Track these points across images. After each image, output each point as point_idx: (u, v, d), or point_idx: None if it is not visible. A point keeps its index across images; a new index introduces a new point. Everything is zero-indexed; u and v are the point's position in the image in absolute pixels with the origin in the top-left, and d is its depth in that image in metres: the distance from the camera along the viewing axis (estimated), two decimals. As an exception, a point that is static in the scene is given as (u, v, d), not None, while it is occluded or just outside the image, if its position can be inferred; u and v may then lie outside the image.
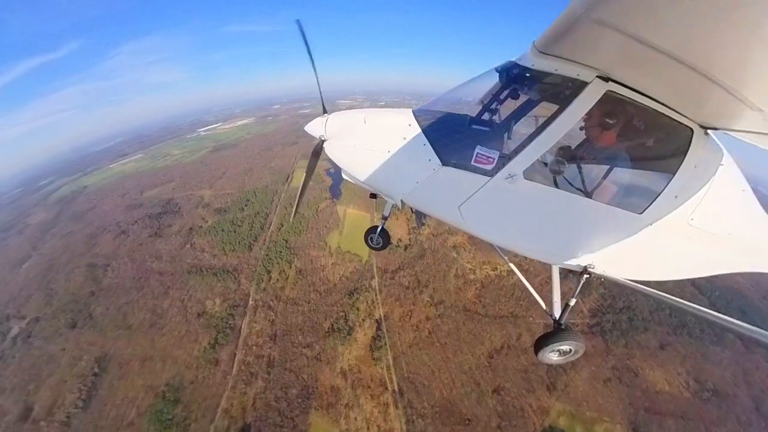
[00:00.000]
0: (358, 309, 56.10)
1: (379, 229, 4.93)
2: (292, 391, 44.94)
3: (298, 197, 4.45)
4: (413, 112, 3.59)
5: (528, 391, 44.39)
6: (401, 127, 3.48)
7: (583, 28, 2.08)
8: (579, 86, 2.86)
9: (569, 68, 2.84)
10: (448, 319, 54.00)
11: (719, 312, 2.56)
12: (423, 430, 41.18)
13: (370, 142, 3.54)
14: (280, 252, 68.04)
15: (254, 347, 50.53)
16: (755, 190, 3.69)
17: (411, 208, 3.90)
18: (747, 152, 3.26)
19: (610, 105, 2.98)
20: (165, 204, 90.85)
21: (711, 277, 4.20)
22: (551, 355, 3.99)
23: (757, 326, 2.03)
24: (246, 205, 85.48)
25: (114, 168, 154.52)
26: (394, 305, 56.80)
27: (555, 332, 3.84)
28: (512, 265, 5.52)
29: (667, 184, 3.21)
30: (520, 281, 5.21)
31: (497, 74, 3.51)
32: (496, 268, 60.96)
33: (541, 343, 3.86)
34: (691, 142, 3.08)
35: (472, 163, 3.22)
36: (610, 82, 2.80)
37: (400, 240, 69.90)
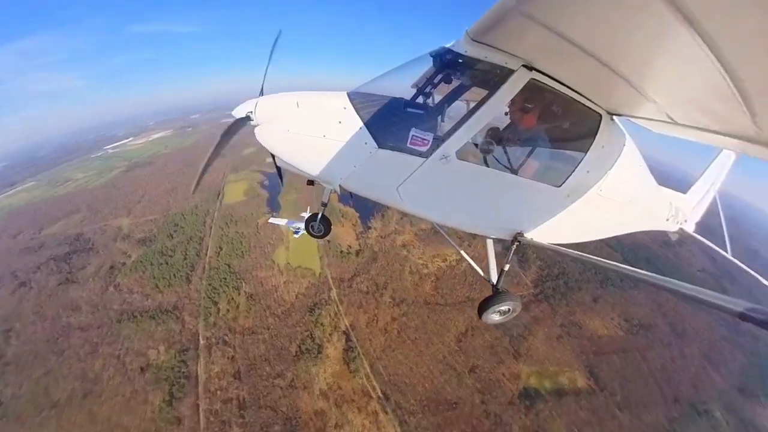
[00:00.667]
0: (322, 324, 55.47)
1: (319, 216, 4.86)
2: (274, 429, 43.39)
3: (200, 171, 3.63)
4: (348, 95, 3.61)
5: (498, 363, 49.67)
6: (336, 111, 3.49)
7: (513, 20, 2.32)
8: (506, 74, 3.18)
9: (498, 57, 3.14)
10: (413, 316, 56.34)
11: (631, 265, 3.31)
12: (417, 426, 43.16)
13: (305, 126, 3.49)
14: (224, 279, 63.37)
15: (218, 392, 47.11)
16: (649, 166, 4.73)
17: (351, 197, 3.99)
18: (643, 134, 4.00)
19: (532, 92, 3.36)
20: (73, 241, 77.34)
21: (620, 236, 5.29)
22: (493, 316, 4.54)
23: (659, 273, 2.61)
24: (175, 231, 77.16)
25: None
26: (358, 313, 57.28)
27: (494, 296, 4.38)
28: (456, 246, 6.41)
29: (580, 161, 3.82)
30: (470, 267, 5.69)
31: (431, 59, 3.70)
32: (446, 259, 64.57)
33: (483, 307, 4.38)
34: (599, 125, 3.71)
35: (408, 145, 3.41)
36: (533, 71, 3.17)
37: (350, 246, 69.90)
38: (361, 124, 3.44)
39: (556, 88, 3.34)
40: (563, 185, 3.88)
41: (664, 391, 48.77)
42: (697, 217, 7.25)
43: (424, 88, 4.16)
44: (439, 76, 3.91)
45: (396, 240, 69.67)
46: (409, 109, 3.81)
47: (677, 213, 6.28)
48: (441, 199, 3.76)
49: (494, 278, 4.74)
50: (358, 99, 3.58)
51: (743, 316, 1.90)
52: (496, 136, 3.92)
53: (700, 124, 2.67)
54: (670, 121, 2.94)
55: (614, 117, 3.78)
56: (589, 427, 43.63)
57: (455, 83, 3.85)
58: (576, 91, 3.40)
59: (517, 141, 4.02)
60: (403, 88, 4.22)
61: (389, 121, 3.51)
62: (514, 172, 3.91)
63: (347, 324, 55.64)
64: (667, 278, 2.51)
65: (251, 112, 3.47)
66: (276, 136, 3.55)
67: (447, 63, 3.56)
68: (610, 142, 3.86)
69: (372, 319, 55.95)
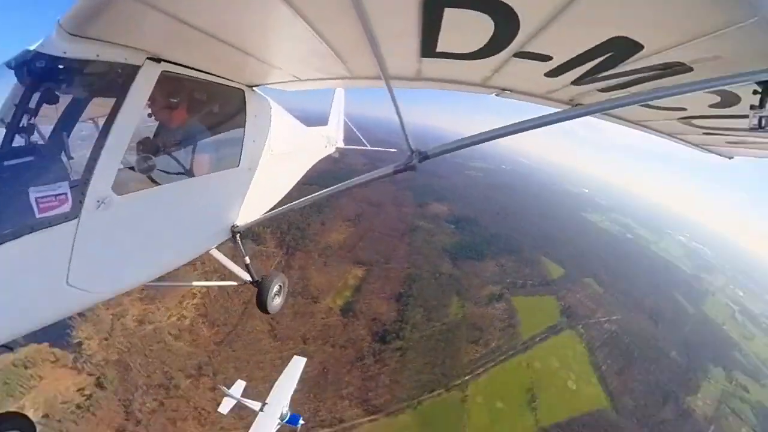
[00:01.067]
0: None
1: None
2: None
3: None
4: None
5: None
6: None
7: (121, 4, 1.91)
8: (131, 72, 2.58)
9: (114, 53, 2.46)
10: (224, 362, 44.14)
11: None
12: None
13: None
14: None
15: None
16: (295, 116, 5.80)
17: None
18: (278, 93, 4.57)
19: (170, 85, 3.02)
20: None
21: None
22: (275, 302, 4.78)
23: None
24: None
25: None
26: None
27: (259, 289, 4.60)
28: (189, 284, 6.38)
29: (244, 135, 3.95)
30: (221, 286, 5.53)
31: (13, 72, 2.50)
32: (194, 295, 49.29)
33: (261, 304, 4.61)
34: (245, 99, 3.91)
35: (39, 216, 2.23)
36: (162, 63, 2.75)
37: (82, 390, 38.35)
38: None
39: (193, 75, 3.11)
40: (241, 162, 3.96)
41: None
42: (341, 135, 10.83)
43: (17, 121, 2.58)
44: (36, 96, 2.57)
45: (127, 322, 45.39)
46: (8, 163, 2.44)
47: (329, 139, 8.82)
48: (132, 251, 2.94)
49: (247, 277, 4.69)
50: None
51: (396, 171, 2.84)
52: (150, 147, 3.29)
53: (317, 76, 3.58)
54: (296, 79, 3.71)
55: (254, 88, 4.08)
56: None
57: (65, 99, 2.70)
58: (213, 74, 3.36)
59: (176, 142, 3.57)
60: None
61: None
62: (191, 174, 3.52)
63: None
64: (346, 182, 3.15)
65: None
66: None
67: (42, 74, 2.45)
68: (259, 110, 4.16)
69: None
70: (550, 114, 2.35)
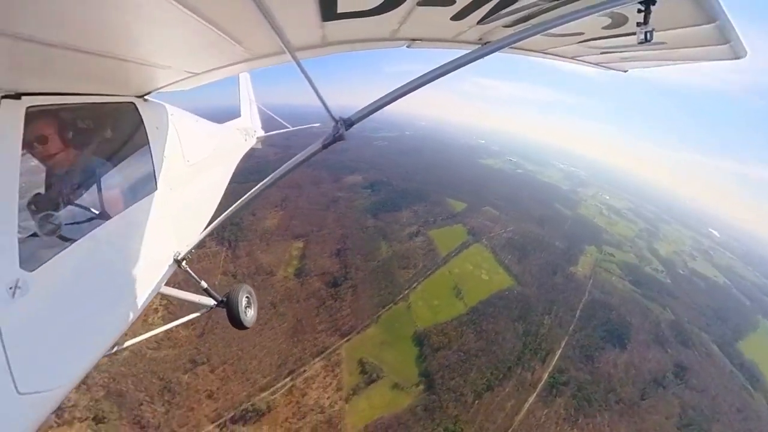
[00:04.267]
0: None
1: None
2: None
3: None
4: None
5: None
6: None
7: None
8: None
9: None
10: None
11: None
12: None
13: None
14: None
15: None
16: (203, 115, 5.82)
17: None
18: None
19: (42, 122, 2.65)
20: None
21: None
22: (248, 315, 5.08)
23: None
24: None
25: None
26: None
27: (228, 307, 4.84)
28: (162, 328, 5.36)
29: (151, 153, 3.71)
30: (187, 320, 5.36)
31: None
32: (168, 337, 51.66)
33: (234, 321, 4.84)
34: (139, 111, 3.60)
35: None
36: (24, 98, 2.38)
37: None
38: None
39: (67, 102, 2.80)
40: (159, 185, 3.75)
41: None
42: (259, 123, 11.40)
43: None
44: None
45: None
46: None
47: (247, 131, 8.91)
48: (78, 326, 2.67)
49: (211, 301, 4.88)
50: None
51: (325, 145, 2.93)
52: (46, 203, 2.81)
53: (213, 65, 3.43)
54: (191, 74, 3.53)
55: (146, 97, 3.77)
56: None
57: None
58: (92, 94, 3.03)
59: (75, 187, 3.18)
60: None
61: None
62: (106, 216, 3.15)
63: None
64: (280, 168, 3.28)
65: None
66: None
67: None
68: (159, 120, 3.94)
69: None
70: (462, 56, 2.50)
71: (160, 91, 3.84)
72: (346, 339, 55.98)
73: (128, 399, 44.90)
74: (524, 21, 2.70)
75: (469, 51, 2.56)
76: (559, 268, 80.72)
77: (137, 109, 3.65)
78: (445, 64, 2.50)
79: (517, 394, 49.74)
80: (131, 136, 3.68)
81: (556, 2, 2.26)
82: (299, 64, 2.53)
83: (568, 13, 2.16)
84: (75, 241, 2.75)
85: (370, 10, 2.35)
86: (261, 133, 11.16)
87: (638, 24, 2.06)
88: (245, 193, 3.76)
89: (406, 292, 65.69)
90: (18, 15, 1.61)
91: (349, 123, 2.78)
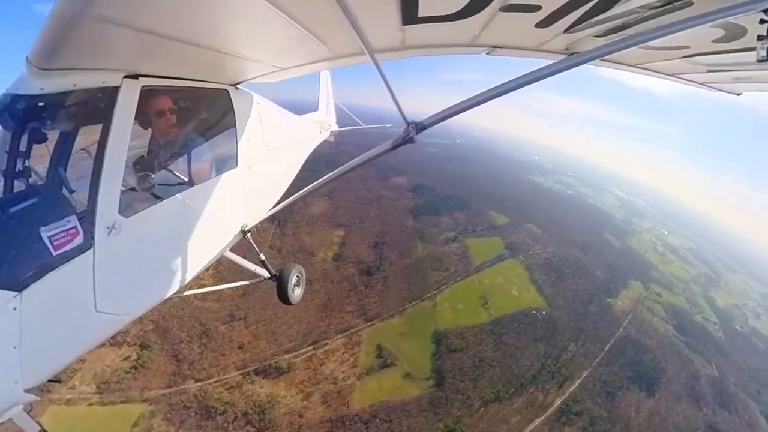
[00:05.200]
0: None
1: None
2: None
3: None
4: None
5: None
6: None
7: (87, 29, 1.96)
8: (111, 94, 2.70)
9: (90, 78, 2.58)
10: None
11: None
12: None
13: None
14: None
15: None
16: (285, 106, 6.17)
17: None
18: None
19: (153, 99, 3.17)
20: None
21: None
22: (295, 293, 5.41)
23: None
24: None
25: None
26: None
27: (280, 281, 5.19)
28: (215, 288, 6.24)
29: (236, 135, 4.17)
30: (247, 284, 5.68)
31: None
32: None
33: (282, 297, 5.22)
34: (231, 98, 4.09)
35: (55, 253, 2.40)
36: (141, 78, 2.84)
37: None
38: None
39: (174, 85, 3.25)
40: (239, 163, 4.14)
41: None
42: (334, 118, 11.75)
43: (12, 166, 2.76)
44: (24, 139, 2.74)
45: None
46: (13, 209, 2.49)
47: (322, 124, 9.45)
48: (152, 268, 3.23)
49: (265, 273, 5.21)
50: None
51: (395, 146, 2.91)
52: (147, 165, 3.40)
53: (298, 62, 3.77)
54: (278, 69, 3.90)
55: (238, 86, 4.21)
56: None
57: (53, 135, 2.84)
58: (194, 80, 3.50)
59: (171, 154, 3.75)
60: None
61: None
62: (192, 183, 3.69)
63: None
64: (347, 164, 3.41)
65: None
66: None
67: (23, 115, 2.61)
68: (247, 107, 4.37)
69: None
70: (546, 66, 2.29)
71: (250, 81, 4.25)
72: (369, 323, 58.57)
73: (171, 336, 51.55)
74: (618, 31, 2.43)
75: (554, 61, 2.38)
76: (595, 297, 75.55)
77: (229, 95, 4.10)
78: (526, 75, 2.32)
79: (524, 412, 48.70)
80: (222, 118, 4.11)
81: (658, 9, 2.00)
82: (377, 66, 2.60)
83: (673, 23, 1.83)
84: (164, 199, 3.27)
85: (451, 15, 2.33)
86: (335, 127, 11.60)
87: (759, 38, 1.76)
88: (313, 181, 4.16)
89: (434, 292, 66.65)
90: (140, 11, 1.97)
91: (420, 127, 2.76)
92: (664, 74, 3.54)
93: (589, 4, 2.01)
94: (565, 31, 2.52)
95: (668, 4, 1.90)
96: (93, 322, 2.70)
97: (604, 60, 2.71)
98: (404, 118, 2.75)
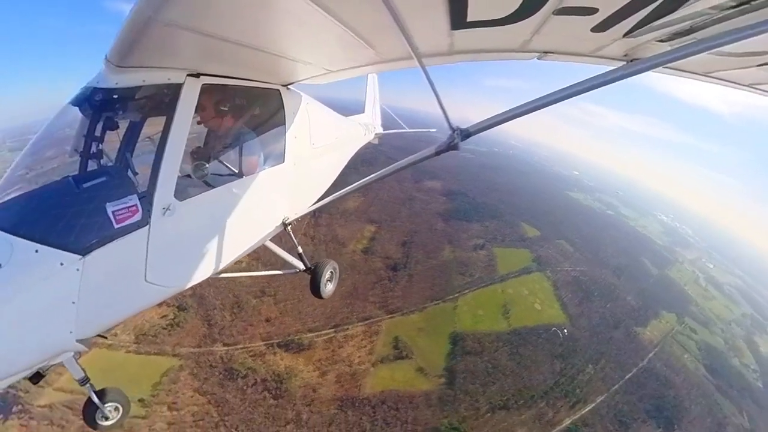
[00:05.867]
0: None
1: (96, 398, 3.37)
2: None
3: None
4: None
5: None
6: None
7: (156, 32, 2.19)
8: (175, 90, 2.98)
9: (157, 75, 2.90)
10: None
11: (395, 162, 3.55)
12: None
13: None
14: None
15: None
16: (331, 106, 6.20)
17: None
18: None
19: (212, 95, 3.48)
20: None
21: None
22: (327, 287, 5.32)
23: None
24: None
25: None
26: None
27: (314, 275, 5.10)
28: (261, 273, 6.15)
29: (285, 133, 4.37)
30: (282, 275, 5.72)
31: (77, 109, 3.10)
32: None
33: (314, 289, 5.14)
34: (282, 98, 4.28)
35: (117, 226, 2.67)
36: (202, 77, 3.12)
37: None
38: (34, 246, 2.36)
39: (231, 84, 3.51)
40: (286, 159, 4.32)
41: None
42: (379, 121, 11.75)
43: (88, 149, 3.13)
44: (99, 126, 3.14)
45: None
46: (86, 185, 2.78)
47: (367, 127, 9.53)
48: (198, 249, 3.43)
49: (300, 265, 5.23)
50: (2, 215, 2.55)
51: (438, 152, 2.77)
52: (202, 155, 3.81)
53: (347, 65, 3.88)
54: (327, 71, 4.02)
55: (289, 86, 4.40)
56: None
57: (124, 124, 3.31)
58: (249, 79, 3.72)
59: (225, 147, 4.12)
60: (59, 163, 3.26)
61: (71, 215, 2.58)
62: (241, 175, 3.96)
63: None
64: (389, 167, 3.48)
65: None
66: None
67: (100, 106, 3.01)
68: (296, 106, 4.54)
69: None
70: (602, 74, 2.10)
71: (300, 82, 4.41)
72: (389, 316, 60.28)
73: (206, 302, 56.21)
74: (685, 35, 2.18)
75: (612, 69, 2.20)
76: (622, 323, 71.58)
77: (281, 95, 4.26)
78: (581, 83, 2.14)
79: (531, 424, 48.21)
80: (273, 116, 4.28)
81: (732, 10, 1.75)
82: (425, 71, 2.50)
83: (749, 26, 1.56)
84: (215, 187, 3.51)
85: (501, 19, 2.22)
86: (380, 130, 11.58)
87: None
88: (355, 181, 4.20)
89: (456, 295, 67.05)
90: (204, 17, 2.20)
91: (465, 134, 2.62)
92: (738, 84, 3.14)
93: (653, 6, 1.82)
94: (625, 35, 2.29)
95: (744, 4, 1.66)
96: (141, 290, 2.97)
97: (667, 67, 2.57)
98: (449, 124, 2.63)
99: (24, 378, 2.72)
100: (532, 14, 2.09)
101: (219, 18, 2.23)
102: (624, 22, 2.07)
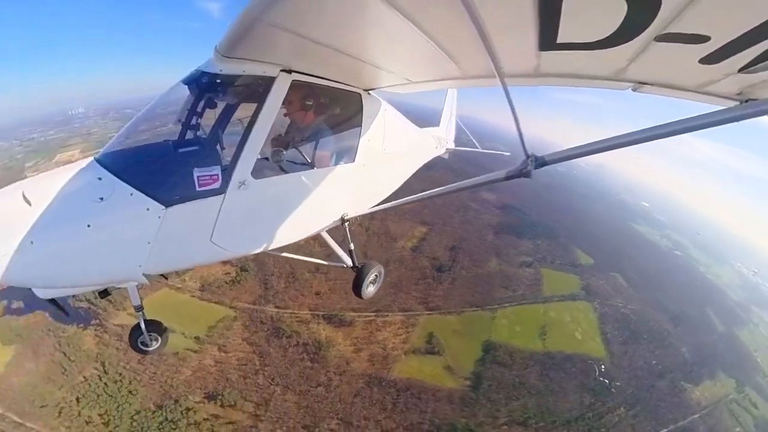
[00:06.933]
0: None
1: (142, 325, 3.98)
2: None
3: None
4: (97, 161, 3.01)
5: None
6: (90, 186, 2.76)
7: (261, 30, 2.43)
8: (268, 82, 3.26)
9: (255, 67, 3.18)
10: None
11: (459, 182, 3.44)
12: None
13: (49, 227, 2.54)
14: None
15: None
16: (407, 116, 6.08)
17: (60, 308, 3.23)
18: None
19: (299, 91, 3.69)
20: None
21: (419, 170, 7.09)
22: (369, 289, 5.20)
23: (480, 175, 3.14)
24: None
25: None
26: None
27: (359, 274, 4.98)
28: (308, 259, 6.18)
29: (360, 135, 4.43)
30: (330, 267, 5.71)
31: (186, 87, 3.53)
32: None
33: (356, 288, 5.03)
34: (362, 102, 4.39)
35: (198, 189, 3.02)
36: (293, 73, 3.37)
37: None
38: (131, 190, 2.77)
39: (317, 83, 3.69)
40: (357, 159, 4.41)
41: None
42: (452, 136, 11.57)
43: (189, 121, 3.73)
44: (201, 103, 3.69)
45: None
46: (182, 150, 3.36)
47: (440, 140, 9.46)
48: (262, 224, 3.70)
49: (348, 261, 5.15)
50: (112, 161, 2.99)
51: (508, 177, 2.59)
52: (282, 142, 4.05)
53: (429, 78, 3.96)
54: (408, 82, 4.09)
55: (370, 91, 4.52)
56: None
57: (221, 105, 3.79)
58: (334, 80, 3.89)
59: (303, 139, 4.28)
60: (164, 129, 3.86)
61: (164, 172, 3.09)
62: (313, 166, 4.12)
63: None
64: (455, 184, 3.37)
65: None
66: (14, 262, 2.43)
67: (205, 87, 3.44)
68: (374, 111, 4.63)
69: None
70: (710, 113, 1.73)
71: (381, 89, 4.52)
72: (428, 312, 62.21)
73: (265, 268, 61.96)
74: None
75: (722, 108, 1.78)
76: (669, 374, 64.16)
77: (361, 99, 4.38)
78: (685, 120, 1.77)
79: (548, 449, 47.20)
80: (351, 117, 4.40)
81: None
82: (506, 92, 2.28)
83: None
84: (288, 173, 3.82)
85: (594, 42, 1.96)
86: (452, 145, 11.28)
87: None
88: (415, 185, 4.09)
89: (496, 306, 66.75)
90: (302, 21, 2.37)
91: (541, 162, 2.32)
92: None
93: None
94: (740, 70, 1.86)
95: None
96: (205, 248, 3.23)
97: None
98: (525, 149, 2.35)
99: (93, 291, 3.19)
100: (631, 39, 1.84)
101: (316, 23, 2.40)
102: (740, 54, 1.70)
